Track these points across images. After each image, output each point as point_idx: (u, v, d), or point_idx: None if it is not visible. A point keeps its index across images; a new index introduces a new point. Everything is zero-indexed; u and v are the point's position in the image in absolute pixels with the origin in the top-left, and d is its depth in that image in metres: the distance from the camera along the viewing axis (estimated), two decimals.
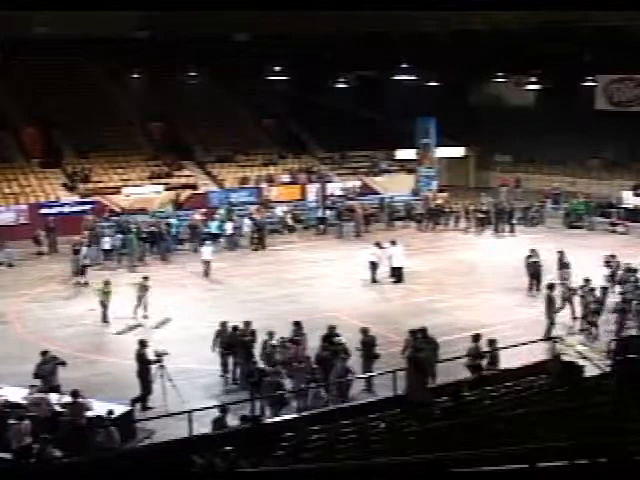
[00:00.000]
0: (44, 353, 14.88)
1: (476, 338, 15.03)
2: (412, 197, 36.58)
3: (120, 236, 27.38)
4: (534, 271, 22.18)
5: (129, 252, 26.44)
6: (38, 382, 14.20)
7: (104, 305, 20.13)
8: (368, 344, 16.00)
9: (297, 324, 16.53)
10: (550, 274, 21.83)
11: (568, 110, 37.68)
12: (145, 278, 20.76)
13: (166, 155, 36.74)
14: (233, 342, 16.25)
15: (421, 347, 15.03)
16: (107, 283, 20.34)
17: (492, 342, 15.10)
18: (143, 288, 20.43)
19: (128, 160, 36.06)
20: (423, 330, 15.83)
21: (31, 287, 23.64)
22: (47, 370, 14.61)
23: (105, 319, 20.15)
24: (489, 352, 14.94)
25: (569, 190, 35.46)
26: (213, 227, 29.51)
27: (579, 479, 5.44)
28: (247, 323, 16.64)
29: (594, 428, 8.01)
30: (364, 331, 16.25)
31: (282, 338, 16.01)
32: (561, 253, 22.42)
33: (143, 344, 15.14)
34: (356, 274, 24.05)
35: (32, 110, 36.40)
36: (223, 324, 16.57)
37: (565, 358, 14.42)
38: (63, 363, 14.86)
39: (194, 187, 34.69)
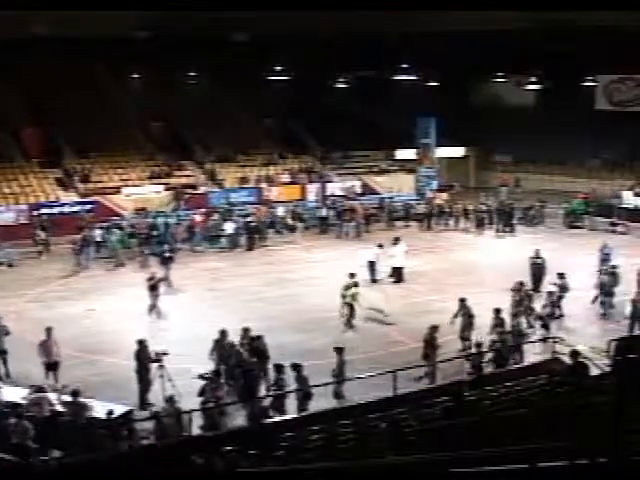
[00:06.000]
0: None
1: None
2: (412, 197, 36.60)
3: (119, 231, 27.63)
4: (537, 272, 22.19)
5: (117, 249, 26.64)
6: (37, 382, 14.23)
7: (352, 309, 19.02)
8: None
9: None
10: (551, 275, 21.83)
11: (568, 110, 37.66)
12: (356, 284, 19.51)
13: (166, 155, 36.74)
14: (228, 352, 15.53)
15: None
16: (356, 285, 19.32)
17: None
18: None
19: (128, 160, 36.05)
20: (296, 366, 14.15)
21: (31, 287, 23.62)
22: None
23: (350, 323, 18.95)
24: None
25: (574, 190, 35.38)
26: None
27: (579, 479, 5.44)
28: (245, 330, 16.06)
29: (594, 428, 8.00)
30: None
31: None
32: None
33: (142, 343, 15.12)
34: (356, 274, 23.99)
35: (32, 110, 36.39)
36: (222, 332, 15.85)
37: (563, 358, 14.42)
38: (7, 333, 16.49)
39: (193, 187, 34.72)
